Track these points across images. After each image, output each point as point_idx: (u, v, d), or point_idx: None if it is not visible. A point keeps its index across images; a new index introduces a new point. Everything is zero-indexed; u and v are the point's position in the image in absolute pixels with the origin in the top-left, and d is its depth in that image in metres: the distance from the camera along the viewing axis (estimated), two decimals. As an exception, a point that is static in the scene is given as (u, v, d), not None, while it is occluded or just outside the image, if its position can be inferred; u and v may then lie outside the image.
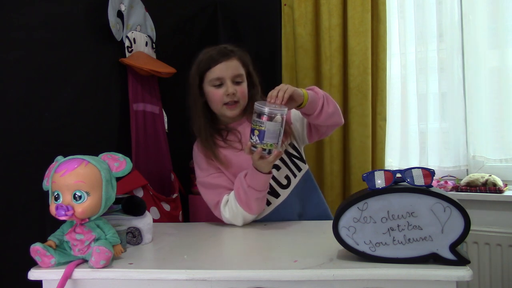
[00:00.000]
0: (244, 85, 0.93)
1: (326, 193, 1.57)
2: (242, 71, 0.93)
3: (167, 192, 1.37)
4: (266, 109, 0.75)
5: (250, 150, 0.80)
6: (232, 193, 0.90)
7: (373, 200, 0.61)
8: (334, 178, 1.55)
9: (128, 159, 0.69)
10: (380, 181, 0.61)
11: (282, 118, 0.76)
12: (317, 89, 0.88)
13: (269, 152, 0.78)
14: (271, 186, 0.93)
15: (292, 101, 0.81)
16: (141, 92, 1.31)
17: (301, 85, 1.61)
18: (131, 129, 1.26)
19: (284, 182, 0.94)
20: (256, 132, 0.76)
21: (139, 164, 1.25)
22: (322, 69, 1.56)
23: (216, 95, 0.91)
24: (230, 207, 0.89)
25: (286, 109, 0.77)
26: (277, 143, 0.78)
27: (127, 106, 1.26)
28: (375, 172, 0.61)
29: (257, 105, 0.77)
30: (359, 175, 1.46)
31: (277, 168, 0.94)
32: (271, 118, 0.75)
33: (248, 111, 0.92)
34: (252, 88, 0.95)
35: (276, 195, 0.94)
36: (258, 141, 0.77)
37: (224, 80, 0.90)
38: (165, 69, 1.36)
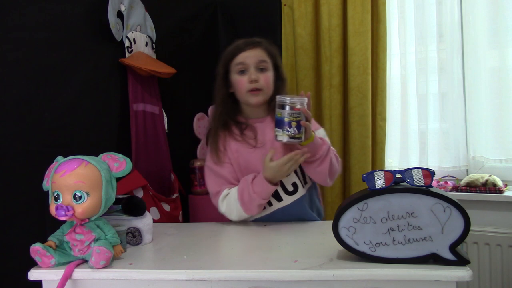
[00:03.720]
0: (269, 73, 0.93)
1: (326, 193, 1.58)
2: (267, 59, 0.94)
3: (167, 192, 1.38)
4: (295, 100, 0.80)
5: (289, 141, 0.82)
6: (235, 191, 0.90)
7: (373, 201, 0.61)
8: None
9: (128, 160, 0.69)
10: (380, 181, 0.61)
11: (303, 106, 0.82)
12: (326, 146, 0.90)
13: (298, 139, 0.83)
14: (275, 191, 0.93)
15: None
16: (141, 92, 1.31)
17: (301, 86, 1.62)
18: (131, 130, 1.26)
19: (290, 188, 0.94)
20: (294, 124, 0.80)
21: (139, 164, 1.25)
22: (322, 69, 1.57)
23: (240, 82, 0.92)
24: (228, 203, 0.90)
25: (306, 98, 0.83)
26: (304, 131, 0.83)
27: (127, 107, 1.26)
28: (375, 173, 0.61)
29: (283, 98, 0.80)
30: (359, 175, 1.46)
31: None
32: (301, 108, 0.81)
33: (272, 108, 0.92)
34: (278, 80, 0.96)
35: (279, 198, 0.94)
36: (297, 131, 0.81)
37: (248, 66, 0.92)
38: (165, 69, 1.36)
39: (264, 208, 0.94)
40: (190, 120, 1.63)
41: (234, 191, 0.91)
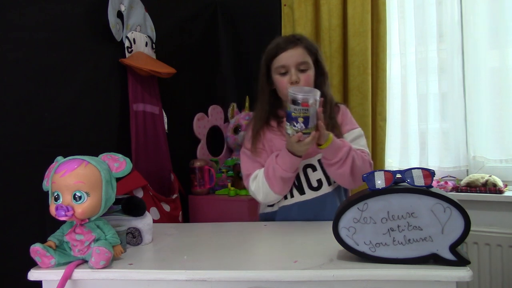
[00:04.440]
0: (310, 72, 0.93)
1: None
2: (307, 58, 0.93)
3: (167, 192, 1.38)
4: (307, 96, 0.79)
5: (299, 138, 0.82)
6: (262, 169, 0.93)
7: (373, 201, 0.61)
8: None
9: (128, 160, 0.69)
10: (380, 182, 0.61)
11: (316, 100, 0.80)
12: (346, 148, 0.88)
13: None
14: (300, 183, 0.94)
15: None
16: (141, 93, 1.31)
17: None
18: (131, 130, 1.26)
19: (315, 184, 0.94)
20: (301, 120, 0.80)
21: (139, 164, 1.25)
22: (322, 69, 1.57)
23: (281, 83, 0.93)
24: (257, 181, 0.93)
25: (319, 92, 0.81)
26: (316, 125, 0.82)
27: (127, 107, 1.26)
28: (375, 173, 0.61)
29: (295, 93, 0.79)
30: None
31: (313, 168, 0.95)
32: (312, 103, 0.79)
33: None
34: (319, 76, 0.96)
35: (302, 191, 0.94)
36: (304, 127, 0.80)
37: (289, 68, 0.92)
38: (165, 69, 1.36)
39: (286, 198, 0.94)
40: (190, 120, 1.63)
41: (262, 169, 0.93)
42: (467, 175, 1.45)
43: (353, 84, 1.51)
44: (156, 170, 1.36)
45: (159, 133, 1.39)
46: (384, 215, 0.60)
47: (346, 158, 0.88)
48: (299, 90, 0.80)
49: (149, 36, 1.36)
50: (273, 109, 0.97)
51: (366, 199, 0.61)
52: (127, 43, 1.26)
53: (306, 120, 0.79)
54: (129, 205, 0.78)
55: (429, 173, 0.60)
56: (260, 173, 0.93)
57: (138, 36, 1.30)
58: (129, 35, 1.26)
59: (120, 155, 0.69)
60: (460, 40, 1.44)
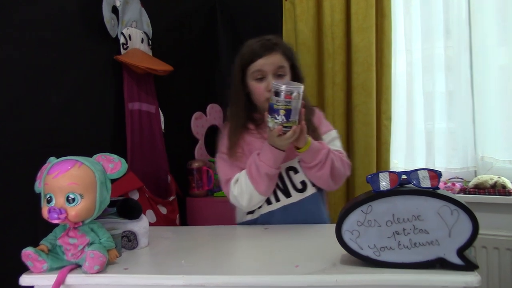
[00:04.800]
0: (287, 78, 0.94)
1: (329, 196, 1.55)
2: (285, 64, 0.94)
3: (164, 194, 1.38)
4: (290, 88, 0.79)
5: (281, 131, 0.83)
6: (244, 170, 0.92)
7: (378, 203, 0.61)
8: None
9: (123, 160, 0.69)
10: (385, 183, 0.61)
11: (300, 94, 0.81)
12: (325, 150, 0.90)
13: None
14: (284, 185, 0.95)
15: (295, 140, 0.85)
16: (136, 91, 1.31)
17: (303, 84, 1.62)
18: (126, 129, 1.26)
19: (299, 186, 0.95)
20: (282, 112, 0.80)
21: (135, 165, 1.25)
22: (324, 66, 1.57)
23: (257, 89, 0.93)
24: (239, 184, 0.92)
25: (303, 86, 0.82)
26: (297, 120, 0.82)
27: (122, 105, 1.26)
28: (380, 174, 0.61)
29: (278, 85, 0.80)
30: (363, 177, 1.44)
31: (295, 171, 0.95)
32: (295, 96, 0.79)
33: None
34: (296, 80, 0.96)
35: (287, 194, 0.95)
36: (285, 120, 0.81)
37: (266, 74, 0.92)
38: (162, 66, 1.36)
39: (271, 203, 0.94)
40: (187, 120, 1.63)
41: (243, 171, 0.92)
42: (475, 177, 1.45)
43: (357, 81, 1.51)
44: (152, 171, 1.36)
45: (155, 132, 1.39)
46: (389, 218, 0.60)
47: (325, 160, 0.89)
48: (282, 82, 0.81)
49: (145, 32, 1.36)
50: (249, 113, 0.97)
51: (371, 201, 0.61)
52: (122, 40, 1.25)
53: (287, 113, 0.80)
54: (125, 208, 0.78)
55: (435, 174, 0.60)
56: (241, 175, 0.92)
57: (133, 32, 1.30)
58: (124, 31, 1.26)
59: (115, 156, 0.69)
60: (467, 37, 1.44)
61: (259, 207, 0.95)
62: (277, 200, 0.94)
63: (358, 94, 1.51)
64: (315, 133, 0.94)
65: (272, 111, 0.81)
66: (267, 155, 0.88)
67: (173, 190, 1.41)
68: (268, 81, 0.91)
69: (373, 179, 0.61)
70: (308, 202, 0.95)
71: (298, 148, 0.88)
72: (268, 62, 0.92)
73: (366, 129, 1.50)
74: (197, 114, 1.65)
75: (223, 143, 0.97)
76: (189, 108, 1.63)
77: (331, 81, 1.55)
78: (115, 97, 1.25)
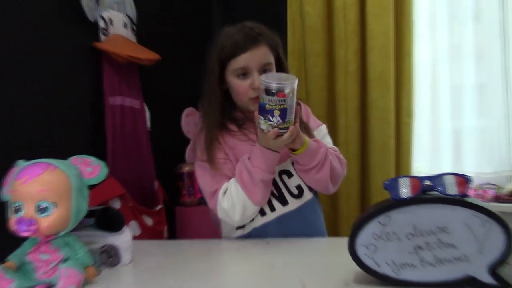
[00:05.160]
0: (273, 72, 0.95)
1: (341, 205, 1.59)
2: (271, 58, 0.94)
3: (150, 203, 1.39)
4: (283, 85, 0.78)
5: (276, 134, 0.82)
6: (233, 179, 0.92)
7: (397, 213, 0.61)
8: (350, 186, 1.56)
9: (103, 164, 0.69)
10: (405, 190, 0.61)
11: (294, 90, 0.80)
12: (323, 150, 0.91)
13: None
14: (280, 192, 0.95)
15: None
16: (118, 83, 1.32)
17: (311, 74, 1.63)
18: (107, 128, 1.26)
19: (295, 191, 0.96)
20: (277, 113, 0.80)
21: (116, 169, 1.26)
22: (335, 54, 1.57)
23: (240, 88, 0.92)
24: (229, 195, 0.90)
25: (297, 79, 0.81)
26: (293, 118, 0.83)
27: (101, 100, 1.26)
28: (400, 179, 0.61)
29: (269, 82, 0.79)
30: (380, 183, 1.42)
31: (289, 174, 0.96)
32: (289, 93, 0.79)
33: None
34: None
35: (284, 202, 0.95)
36: (281, 121, 0.80)
37: (251, 70, 0.91)
38: (148, 55, 1.36)
39: (265, 213, 0.94)
40: (177, 117, 1.64)
41: (232, 180, 0.91)
42: (510, 182, 1.45)
43: (373, 72, 1.52)
44: (136, 176, 1.37)
45: (140, 131, 1.40)
46: (410, 230, 0.60)
47: (324, 160, 0.90)
48: (273, 78, 0.79)
49: (128, 16, 1.36)
50: (227, 113, 0.97)
51: (389, 211, 0.61)
52: (102, 24, 1.26)
53: (283, 113, 0.79)
54: (104, 218, 0.78)
55: (464, 180, 0.60)
56: (231, 184, 0.91)
57: (115, 16, 1.30)
58: (104, 14, 1.27)
59: (93, 158, 0.69)
60: (500, 21, 1.45)
61: (251, 220, 0.94)
62: (272, 209, 0.94)
63: (374, 87, 1.52)
64: (307, 131, 0.95)
65: (265, 112, 0.80)
66: (259, 159, 0.88)
67: (160, 198, 1.41)
68: (254, 78, 0.90)
69: (392, 185, 0.61)
70: (306, 209, 0.96)
71: (294, 150, 0.88)
72: (253, 58, 0.91)
73: (384, 128, 1.51)
74: (188, 110, 1.66)
75: (199, 149, 0.96)
76: (179, 103, 1.63)
77: (343, 72, 1.56)
78: (93, 91, 1.26)
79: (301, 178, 0.95)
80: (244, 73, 0.92)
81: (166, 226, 1.41)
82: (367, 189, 1.56)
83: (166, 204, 1.45)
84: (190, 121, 1.66)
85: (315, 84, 1.63)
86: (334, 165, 0.92)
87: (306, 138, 0.88)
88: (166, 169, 1.54)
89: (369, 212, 0.62)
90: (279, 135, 0.82)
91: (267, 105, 0.79)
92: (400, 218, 0.60)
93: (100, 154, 1.08)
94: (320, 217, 1.01)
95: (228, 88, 0.95)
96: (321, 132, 1.00)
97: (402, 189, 0.60)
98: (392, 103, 1.51)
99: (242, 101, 0.93)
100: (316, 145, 0.90)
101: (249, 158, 0.90)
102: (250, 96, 0.91)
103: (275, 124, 0.80)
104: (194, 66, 1.70)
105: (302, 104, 1.02)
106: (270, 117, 0.80)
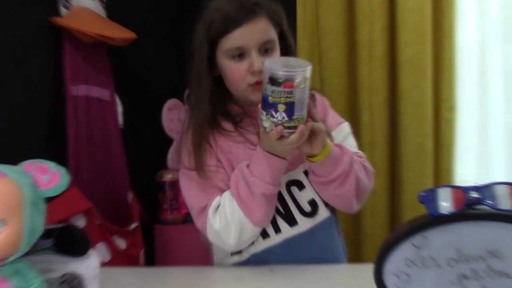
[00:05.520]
0: (277, 54, 0.93)
1: (365, 222, 1.59)
2: (273, 34, 0.93)
3: (122, 220, 1.39)
4: (292, 72, 0.77)
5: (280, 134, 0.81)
6: (227, 192, 0.91)
7: (436, 233, 0.61)
8: (376, 198, 1.56)
9: (63, 170, 0.69)
10: (446, 204, 0.61)
11: (306, 79, 0.79)
12: (347, 157, 0.90)
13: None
14: (287, 209, 0.94)
15: (307, 143, 0.85)
16: (83, 69, 1.32)
17: (326, 59, 1.63)
18: (68, 124, 1.27)
19: (308, 208, 0.95)
20: (282, 107, 0.79)
21: (80, 177, 1.26)
22: (358, 33, 1.57)
23: (236, 72, 0.92)
24: (222, 213, 0.90)
25: (310, 66, 0.80)
26: (306, 114, 0.82)
27: (61, 90, 1.27)
28: (439, 190, 0.61)
29: (275, 68, 0.78)
30: (414, 194, 1.43)
31: (300, 186, 0.95)
32: (299, 83, 0.78)
33: None
34: (286, 55, 0.95)
35: (292, 221, 0.94)
36: (286, 118, 0.79)
37: (248, 50, 0.91)
38: (120, 33, 1.37)
39: (268, 236, 0.94)
40: (157, 111, 1.64)
41: (226, 194, 0.91)
42: None
43: (404, 56, 1.52)
44: (105, 186, 1.37)
45: (110, 129, 1.41)
46: (453, 255, 0.60)
47: (349, 171, 0.89)
48: (279, 63, 0.79)
49: (95, -16, 1.37)
50: (218, 106, 0.96)
51: (425, 230, 0.61)
52: (62, -6, 1.27)
53: (289, 108, 0.79)
54: (65, 240, 0.78)
55: (520, 191, 0.60)
56: (224, 199, 0.90)
57: (79, -16, 1.31)
58: (65, -19, 1.27)
59: (51, 164, 0.69)
60: None
61: (250, 244, 0.94)
62: (277, 231, 0.94)
63: (406, 74, 1.52)
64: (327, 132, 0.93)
65: (267, 105, 0.80)
66: (261, 167, 0.87)
67: (135, 214, 1.42)
68: (252, 58, 0.90)
69: (429, 198, 0.61)
70: (321, 231, 0.95)
71: (311, 156, 0.87)
72: (250, 34, 0.90)
73: (419, 125, 1.51)
74: (171, 102, 1.66)
75: (185, 154, 0.95)
76: (160, 94, 1.64)
77: (368, 55, 1.56)
78: (51, 78, 1.26)
79: (315, 191, 0.94)
80: (240, 54, 0.91)
81: (143, 250, 1.41)
82: (398, 203, 1.56)
83: (143, 221, 1.46)
84: (173, 116, 1.66)
85: (332, 70, 1.63)
86: (360, 177, 0.91)
87: (329, 141, 0.87)
88: (143, 177, 1.54)
89: (400, 232, 0.62)
90: (284, 136, 0.81)
91: (270, 97, 0.79)
92: (439, 239, 0.60)
93: (60, 158, 1.09)
94: (338, 240, 1.01)
95: (221, 74, 0.95)
96: (342, 131, 0.99)
97: (442, 203, 0.60)
98: (428, 95, 1.51)
99: (239, 89, 0.93)
100: (339, 151, 0.89)
101: (248, 166, 0.89)
102: (248, 82, 0.91)
103: (279, 122, 0.80)
104: (178, 47, 1.71)
105: (317, 95, 1.01)
106: (274, 113, 0.79)
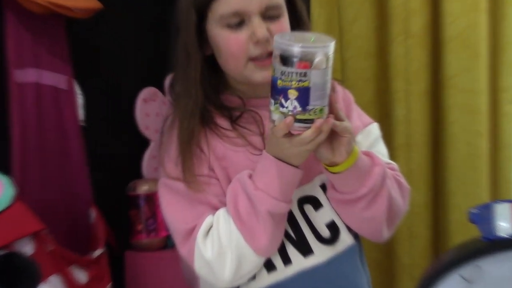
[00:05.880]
0: (284, 20, 0.94)
1: (401, 248, 1.58)
2: None
3: (83, 246, 1.38)
4: (310, 49, 0.78)
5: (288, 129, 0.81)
6: (222, 210, 0.91)
7: (492, 262, 0.60)
8: (415, 217, 1.55)
9: (6, 180, 0.69)
10: (505, 224, 0.61)
11: (328, 59, 0.79)
12: (379, 169, 0.90)
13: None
14: (300, 233, 0.95)
15: (327, 146, 0.85)
16: (32, 48, 1.32)
17: (348, 34, 1.63)
18: (12, 120, 1.26)
19: (326, 233, 0.96)
20: (293, 94, 0.79)
21: (28, 189, 1.25)
22: (390, 1, 1.57)
23: (234, 44, 0.92)
24: (215, 237, 0.90)
25: (333, 41, 0.80)
26: (327, 106, 0.81)
27: (3, 75, 1.26)
28: (496, 206, 0.61)
29: (287, 42, 0.79)
30: (464, 211, 1.40)
31: (316, 204, 0.96)
32: (318, 63, 0.78)
33: None
34: (296, 25, 0.96)
35: (306, 250, 0.95)
36: (299, 109, 0.79)
37: (248, 15, 0.91)
38: (81, 2, 1.36)
39: (275, 268, 0.94)
40: (129, 102, 1.63)
41: (221, 212, 0.91)
42: None
43: (450, 31, 1.52)
44: (61, 202, 1.36)
45: (67, 127, 1.40)
46: (514, 290, 0.60)
47: (380, 188, 0.90)
48: (293, 38, 0.80)
49: None
50: (212, 96, 0.97)
51: (478, 259, 0.61)
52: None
53: (304, 95, 0.79)
54: (8, 271, 0.78)
55: None
56: (219, 219, 0.90)
57: None
58: None
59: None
60: None
61: (251, 278, 0.94)
62: (287, 262, 0.94)
63: (453, 54, 1.52)
64: None
65: (276, 91, 0.80)
66: (268, 177, 0.87)
67: (100, 238, 1.40)
68: (254, 24, 0.90)
69: (483, 216, 0.61)
70: (343, 262, 0.96)
71: (332, 165, 0.87)
72: None
73: (469, 121, 1.51)
74: (147, 92, 1.65)
75: (167, 159, 0.96)
76: (133, 82, 1.63)
77: (402, 30, 1.56)
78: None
79: (336, 211, 0.95)
80: (238, 22, 0.91)
81: (109, 284, 1.40)
82: (442, 223, 1.56)
83: (110, 247, 1.45)
84: (150, 110, 1.66)
85: (356, 49, 1.62)
86: (393, 196, 0.92)
87: (356, 147, 0.88)
88: (111, 190, 1.53)
89: (445, 261, 0.61)
90: (300, 132, 0.81)
91: (279, 81, 0.79)
92: (497, 269, 0.60)
93: (1, 163, 1.08)
94: (363, 272, 1.01)
95: (214, 53, 0.96)
96: (371, 135, 1.01)
97: (499, 223, 0.60)
98: (482, 82, 1.50)
99: (238, 66, 0.93)
100: (368, 161, 0.89)
101: (250, 176, 0.89)
102: (250, 54, 0.91)
103: (289, 113, 0.80)
104: (157, 19, 1.70)
105: (339, 88, 1.02)
106: (283, 101, 0.79)
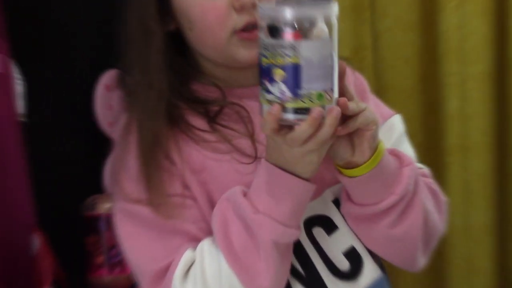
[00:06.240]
0: None
1: (456, 285, 1.59)
2: None
3: (23, 285, 1.37)
4: (303, 12, 0.81)
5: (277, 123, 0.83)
6: (206, 241, 0.94)
7: None
8: (472, 244, 1.57)
9: None
10: None
11: (332, 26, 0.82)
12: (409, 169, 0.94)
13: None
14: (309, 265, 0.98)
15: (345, 142, 0.89)
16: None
17: (378, 2, 1.63)
18: None
19: (344, 265, 1.00)
20: (279, 73, 0.80)
21: None
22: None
23: (211, 12, 0.95)
24: (198, 280, 0.92)
25: (334, 2, 0.83)
26: (331, 90, 0.83)
27: None
28: None
29: (269, 7, 0.82)
30: None
31: (330, 225, 1.00)
32: (316, 32, 0.81)
33: None
34: None
35: (319, 285, 0.98)
36: (289, 94, 0.81)
37: None
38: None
39: None
40: (85, 91, 1.61)
41: (207, 243, 0.94)
42: None
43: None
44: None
45: (1, 122, 1.38)
46: None
47: (414, 195, 0.94)
48: (284, 3, 0.83)
49: None
50: (181, 87, 1.00)
51: None
52: None
53: (292, 75, 0.80)
54: None
55: None
56: (202, 254, 0.93)
57: None
58: None
59: None
60: None
61: None
62: None
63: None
64: None
65: (261, 72, 0.83)
66: (271, 194, 0.89)
67: (45, 275, 1.40)
68: None
69: None
70: None
71: (350, 167, 0.90)
72: None
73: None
74: (110, 76, 1.62)
75: (128, 174, 0.98)
76: (90, 63, 1.61)
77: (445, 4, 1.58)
78: None
79: (359, 238, 1.00)
80: None
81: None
82: (507, 243, 1.58)
83: (59, 286, 1.44)
84: (114, 100, 1.64)
85: (393, 19, 1.65)
86: (428, 209, 0.97)
87: (382, 143, 0.91)
88: (61, 209, 1.54)
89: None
90: (287, 127, 0.82)
91: (264, 59, 0.81)
92: None
93: None
94: None
95: (180, 26, 0.98)
96: (393, 131, 1.07)
97: None
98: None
99: (217, 42, 0.96)
100: (395, 162, 0.93)
101: (245, 195, 0.91)
102: (234, 25, 0.93)
103: (277, 100, 0.80)
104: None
105: (348, 71, 1.02)
106: (268, 85, 0.81)
